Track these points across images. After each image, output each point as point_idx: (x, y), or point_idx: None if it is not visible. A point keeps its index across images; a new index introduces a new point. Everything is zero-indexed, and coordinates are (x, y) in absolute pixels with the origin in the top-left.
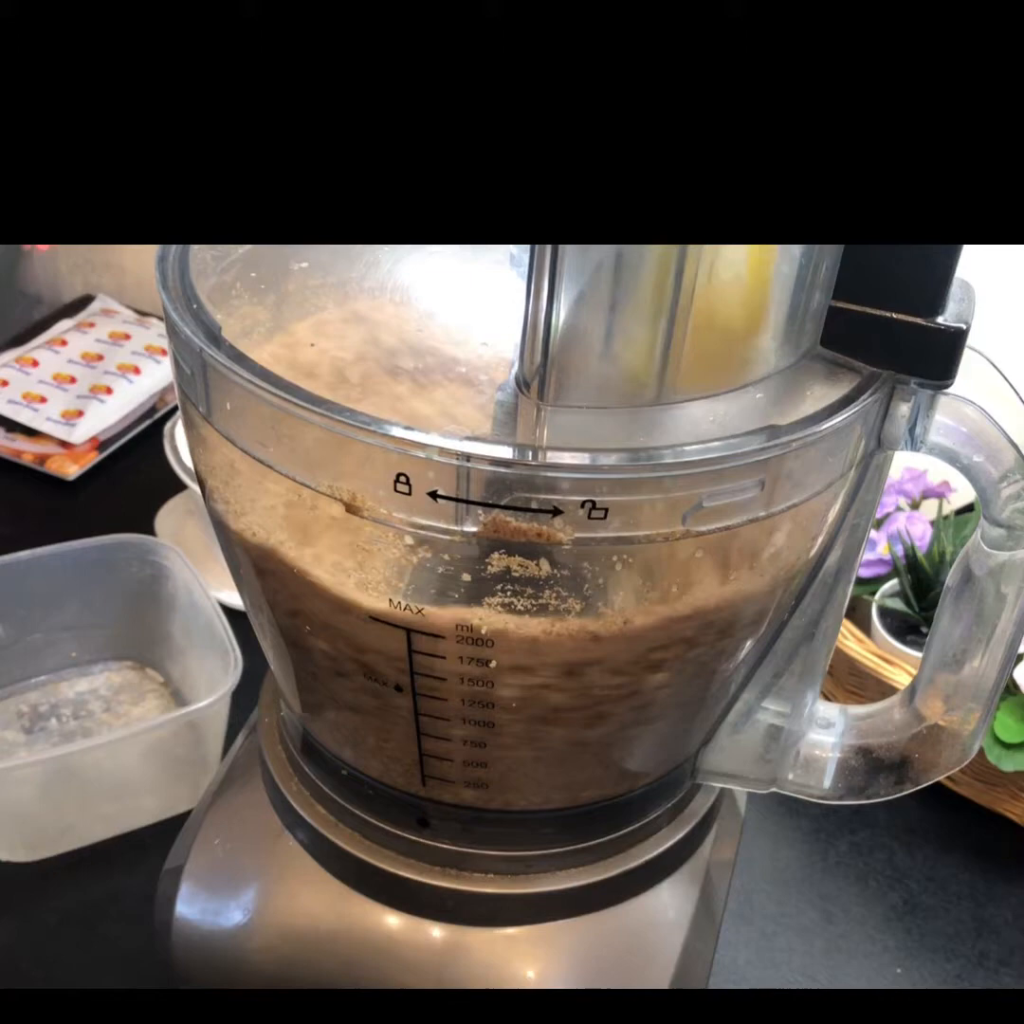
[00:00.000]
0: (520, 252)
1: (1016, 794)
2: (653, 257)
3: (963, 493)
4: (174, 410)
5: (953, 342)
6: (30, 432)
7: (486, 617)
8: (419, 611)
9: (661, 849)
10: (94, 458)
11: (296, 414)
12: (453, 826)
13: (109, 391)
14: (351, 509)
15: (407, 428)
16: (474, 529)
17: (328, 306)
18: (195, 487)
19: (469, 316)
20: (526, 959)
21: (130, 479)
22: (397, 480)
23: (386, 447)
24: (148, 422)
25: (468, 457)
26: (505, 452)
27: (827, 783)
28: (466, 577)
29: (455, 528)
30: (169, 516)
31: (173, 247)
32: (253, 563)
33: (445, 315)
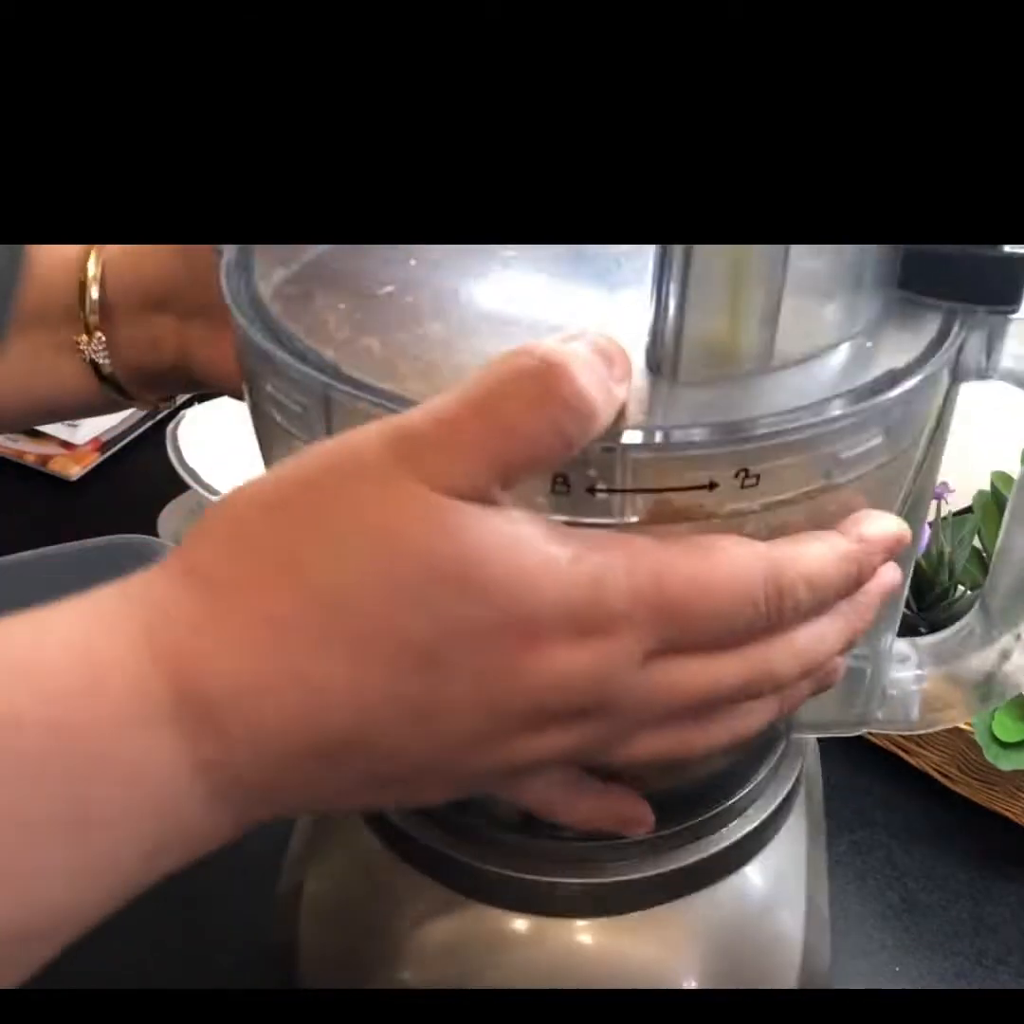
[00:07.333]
0: (625, 260)
1: (1014, 793)
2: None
3: (962, 494)
4: (176, 411)
5: (1019, 268)
6: (32, 432)
7: None
8: None
9: (768, 811)
10: (96, 458)
11: None
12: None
13: None
14: None
15: None
16: (635, 518)
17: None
18: (197, 488)
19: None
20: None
21: (132, 480)
22: (555, 481)
23: None
24: (151, 422)
25: (622, 447)
26: (657, 435)
27: (915, 714)
28: None
29: (615, 521)
30: (171, 517)
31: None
32: None
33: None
